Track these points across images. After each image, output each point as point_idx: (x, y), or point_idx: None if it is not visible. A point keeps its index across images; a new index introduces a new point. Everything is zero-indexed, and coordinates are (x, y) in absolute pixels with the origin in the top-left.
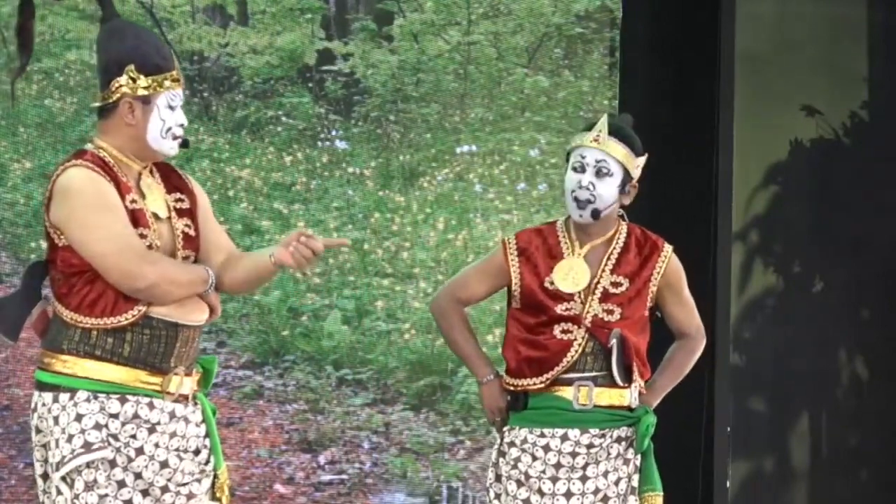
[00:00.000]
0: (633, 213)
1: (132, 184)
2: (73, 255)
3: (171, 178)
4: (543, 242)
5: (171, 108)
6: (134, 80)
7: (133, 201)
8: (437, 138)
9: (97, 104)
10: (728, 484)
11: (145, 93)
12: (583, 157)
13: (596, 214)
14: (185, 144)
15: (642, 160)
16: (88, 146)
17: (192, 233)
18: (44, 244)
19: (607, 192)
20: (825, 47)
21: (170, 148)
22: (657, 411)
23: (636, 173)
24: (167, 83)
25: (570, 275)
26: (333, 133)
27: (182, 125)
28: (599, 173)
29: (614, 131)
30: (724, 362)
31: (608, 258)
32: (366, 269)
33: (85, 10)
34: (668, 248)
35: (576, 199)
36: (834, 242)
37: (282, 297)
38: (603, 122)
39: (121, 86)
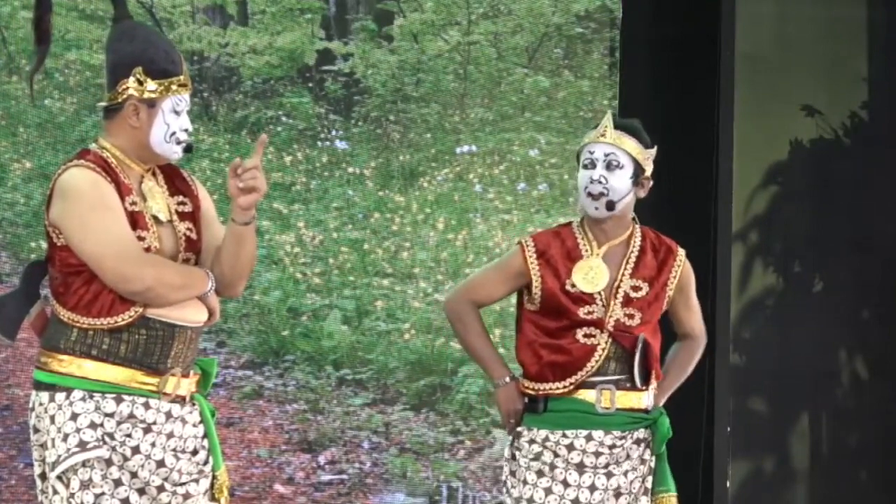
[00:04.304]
0: (634, 213)
1: (134, 185)
2: (70, 255)
3: (176, 180)
4: (562, 245)
5: (177, 112)
6: (140, 83)
7: (133, 203)
8: (437, 138)
9: (103, 104)
10: (728, 484)
11: (151, 96)
12: (592, 153)
13: (611, 206)
14: (188, 149)
15: (652, 152)
16: (92, 146)
17: (193, 236)
18: (44, 244)
19: (620, 183)
20: (825, 47)
21: (172, 153)
22: None
23: (648, 165)
24: (174, 87)
25: (589, 275)
26: (333, 133)
27: (187, 130)
28: (610, 166)
29: (620, 125)
30: (724, 362)
31: (627, 261)
32: (366, 269)
33: (85, 10)
34: (682, 253)
35: (589, 195)
36: (834, 242)
37: (282, 297)
38: (608, 117)
39: (127, 87)
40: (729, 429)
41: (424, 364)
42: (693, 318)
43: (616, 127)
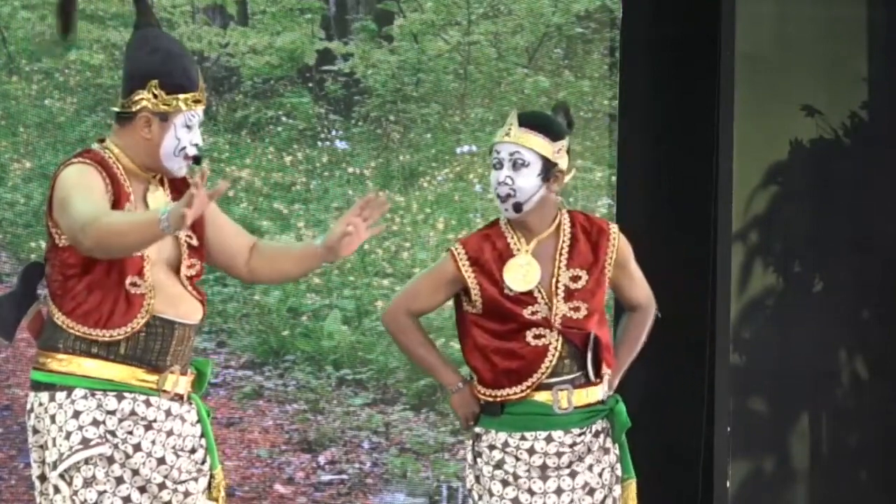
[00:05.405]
0: (633, 213)
1: (137, 192)
2: (70, 255)
3: (180, 185)
4: (493, 248)
5: (188, 127)
6: (155, 96)
7: (129, 210)
8: (437, 138)
9: (116, 109)
10: (728, 484)
11: (164, 110)
12: (498, 153)
13: (518, 207)
14: (197, 161)
15: (563, 144)
16: (95, 145)
17: (194, 243)
18: (43, 244)
19: (526, 183)
20: (825, 47)
21: (178, 168)
22: (654, 411)
23: (559, 158)
24: (188, 103)
25: (520, 273)
26: (333, 133)
27: (196, 145)
28: (515, 165)
29: (526, 122)
30: (724, 362)
31: (560, 253)
32: (366, 269)
33: (85, 10)
34: (614, 229)
35: (498, 196)
36: (834, 242)
37: (282, 297)
38: (513, 115)
39: (141, 98)
40: (729, 429)
41: None
42: (637, 289)
43: (523, 123)
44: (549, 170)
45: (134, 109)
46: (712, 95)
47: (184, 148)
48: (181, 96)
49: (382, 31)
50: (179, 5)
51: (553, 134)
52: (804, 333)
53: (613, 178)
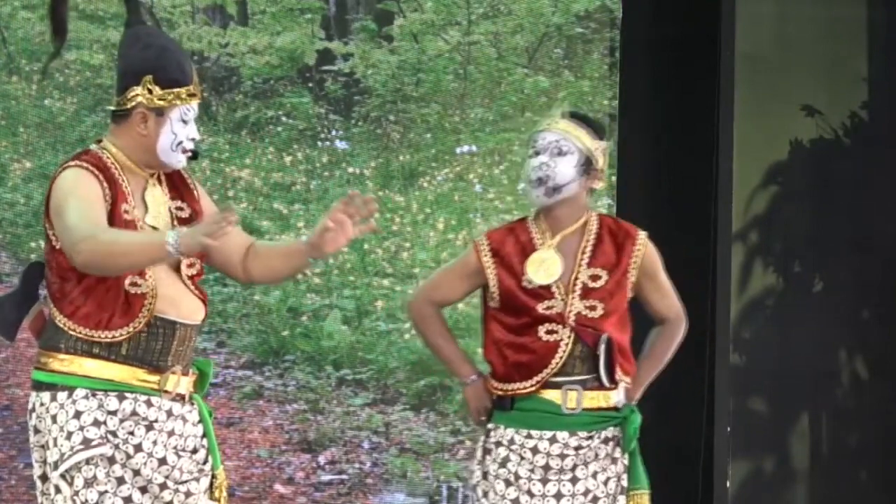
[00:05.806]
0: (634, 213)
1: (135, 191)
2: (66, 259)
3: (178, 183)
4: (516, 241)
5: (184, 121)
6: (150, 92)
7: (126, 212)
8: (437, 138)
9: (112, 108)
10: (728, 484)
11: (160, 105)
12: (536, 143)
13: (554, 190)
14: (194, 156)
15: (604, 145)
16: (93, 146)
17: None
18: (43, 244)
19: (564, 169)
20: (825, 47)
21: (177, 161)
22: (655, 410)
23: (599, 157)
24: (183, 97)
25: (542, 266)
26: (333, 133)
27: (193, 139)
28: (555, 152)
29: (572, 115)
30: (724, 362)
31: (583, 251)
32: (366, 269)
33: (85, 10)
34: (642, 235)
35: (531, 182)
36: (834, 242)
37: (282, 297)
38: (557, 109)
39: (136, 95)
40: (729, 429)
41: (424, 364)
42: (665, 302)
43: (568, 116)
44: (587, 164)
45: (129, 106)
46: (712, 95)
47: (181, 142)
48: (176, 90)
49: (382, 31)
50: (179, 5)
51: (598, 131)
52: (804, 333)
53: (613, 178)
